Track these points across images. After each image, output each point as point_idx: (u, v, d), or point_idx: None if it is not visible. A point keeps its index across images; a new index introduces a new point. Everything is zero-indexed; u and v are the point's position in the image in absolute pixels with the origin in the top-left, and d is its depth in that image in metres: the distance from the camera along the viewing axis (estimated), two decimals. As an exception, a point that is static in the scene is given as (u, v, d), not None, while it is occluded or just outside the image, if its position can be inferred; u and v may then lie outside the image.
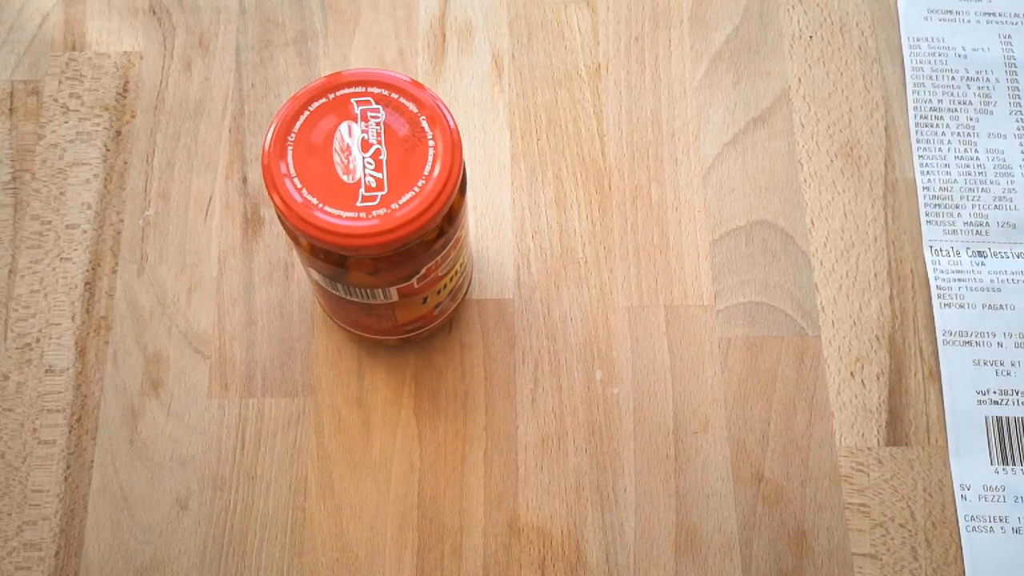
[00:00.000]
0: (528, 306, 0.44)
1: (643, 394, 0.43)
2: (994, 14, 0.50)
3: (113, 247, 0.45)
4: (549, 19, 0.49)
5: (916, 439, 0.43)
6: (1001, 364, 0.44)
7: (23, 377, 0.43)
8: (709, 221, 0.46)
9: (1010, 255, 0.45)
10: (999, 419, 0.43)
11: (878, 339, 0.44)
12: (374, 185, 0.33)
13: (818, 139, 0.48)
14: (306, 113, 0.34)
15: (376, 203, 0.33)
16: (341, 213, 0.33)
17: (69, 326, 0.44)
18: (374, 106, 0.34)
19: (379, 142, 0.34)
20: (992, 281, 0.45)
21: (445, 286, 0.39)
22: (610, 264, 0.45)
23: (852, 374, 0.44)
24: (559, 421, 0.43)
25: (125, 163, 0.46)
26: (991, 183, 0.47)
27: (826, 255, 0.46)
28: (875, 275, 0.45)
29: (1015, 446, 0.42)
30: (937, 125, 0.48)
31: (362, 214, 0.33)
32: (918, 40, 0.49)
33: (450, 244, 0.36)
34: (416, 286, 0.37)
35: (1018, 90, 0.48)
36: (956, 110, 0.48)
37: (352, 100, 0.34)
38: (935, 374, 0.44)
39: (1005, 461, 0.42)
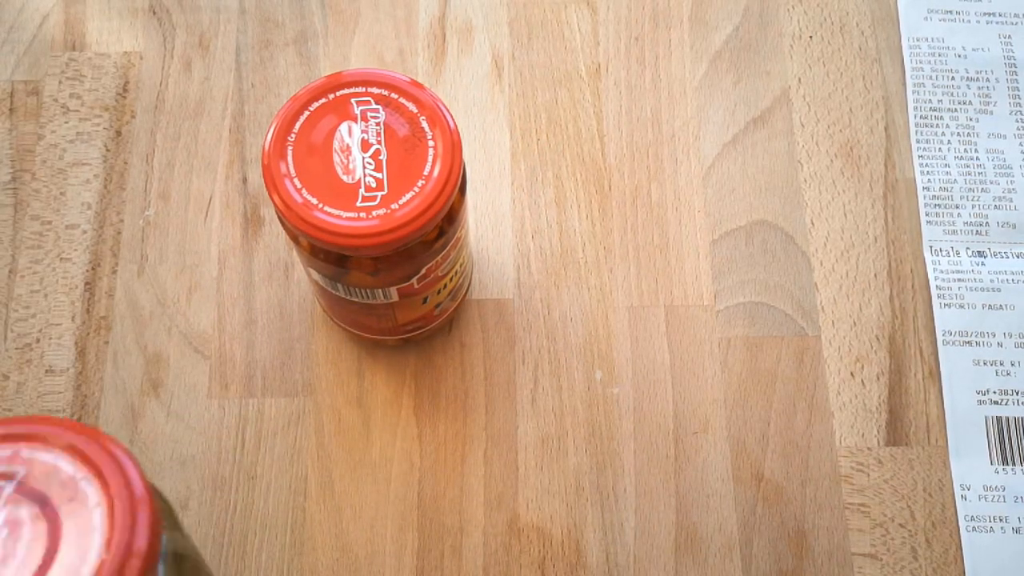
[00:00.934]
0: (528, 306, 0.44)
1: (643, 394, 0.43)
2: (994, 14, 0.50)
3: (113, 247, 0.45)
4: (549, 19, 0.49)
5: (916, 439, 0.43)
6: (1001, 364, 0.44)
7: (23, 377, 0.43)
8: (709, 221, 0.46)
9: (1010, 255, 0.45)
10: (999, 419, 0.43)
11: (878, 339, 0.44)
12: (374, 185, 0.33)
13: (818, 139, 0.48)
14: (306, 113, 0.34)
15: (376, 203, 0.33)
16: (341, 213, 0.33)
17: (69, 326, 0.44)
18: (374, 106, 0.34)
19: (379, 142, 0.34)
20: (992, 281, 0.45)
21: (445, 286, 0.39)
22: (610, 264, 0.45)
23: (852, 374, 0.44)
24: (559, 421, 0.43)
25: (125, 163, 0.46)
26: (991, 183, 0.47)
27: (826, 255, 0.46)
28: (875, 275, 0.45)
29: (1015, 446, 0.42)
30: (937, 125, 0.48)
31: (362, 214, 0.33)
32: (918, 40, 0.49)
33: (450, 244, 0.36)
34: (416, 286, 0.37)
35: (1018, 90, 0.48)
36: (956, 110, 0.48)
37: (352, 100, 0.34)
38: (935, 374, 0.44)
39: (1005, 461, 0.42)
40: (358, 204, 0.33)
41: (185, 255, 0.45)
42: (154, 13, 0.49)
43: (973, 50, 0.49)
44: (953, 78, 0.49)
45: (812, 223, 0.46)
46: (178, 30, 0.49)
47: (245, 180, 0.46)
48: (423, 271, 0.36)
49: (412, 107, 0.34)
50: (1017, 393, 0.43)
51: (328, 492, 0.41)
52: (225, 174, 0.46)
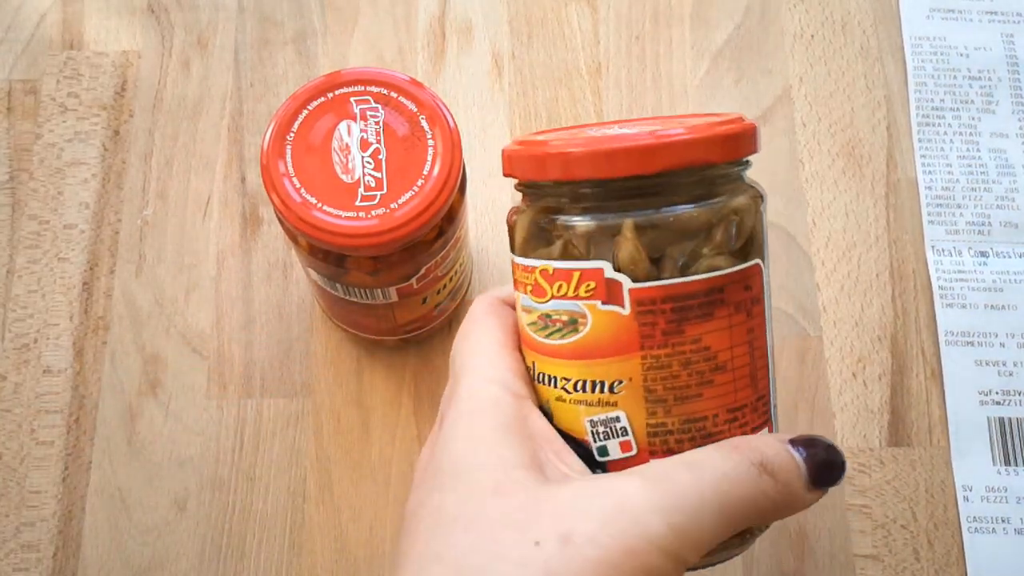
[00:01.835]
0: (528, 306, 0.44)
1: (644, 395, 0.43)
2: (996, 13, 0.50)
3: (111, 247, 0.45)
4: (549, 18, 0.49)
5: (918, 440, 0.43)
6: (1003, 364, 0.43)
7: (21, 378, 0.43)
8: (710, 221, 0.46)
9: (1012, 255, 0.45)
10: (1001, 420, 0.43)
11: (880, 339, 0.44)
12: (373, 185, 0.33)
13: (820, 138, 0.47)
14: (305, 112, 0.34)
15: (375, 203, 0.33)
16: (340, 213, 0.33)
17: (67, 326, 0.43)
18: (373, 105, 0.34)
19: (378, 141, 0.34)
20: (994, 281, 0.45)
21: (445, 286, 0.39)
22: (610, 264, 0.45)
23: (854, 375, 0.43)
24: (559, 422, 0.42)
25: (123, 162, 0.46)
26: (993, 183, 0.46)
27: (828, 255, 0.45)
28: (877, 275, 0.45)
29: (1017, 447, 0.42)
30: (939, 124, 0.48)
31: (361, 214, 0.33)
32: (920, 39, 0.49)
33: (450, 244, 0.36)
34: (416, 286, 0.37)
35: (1020, 89, 0.48)
36: (958, 109, 0.48)
37: (351, 99, 0.34)
38: (937, 375, 0.43)
39: (1007, 462, 0.42)
40: (357, 204, 0.33)
41: (183, 255, 0.45)
42: (152, 12, 0.49)
43: (975, 49, 0.49)
44: (955, 77, 0.48)
45: (814, 223, 0.46)
46: (176, 29, 0.49)
47: (244, 180, 0.46)
48: (422, 271, 0.36)
49: (411, 106, 0.34)
50: (1019, 394, 0.43)
51: (327, 493, 0.41)
52: (224, 173, 0.46)
